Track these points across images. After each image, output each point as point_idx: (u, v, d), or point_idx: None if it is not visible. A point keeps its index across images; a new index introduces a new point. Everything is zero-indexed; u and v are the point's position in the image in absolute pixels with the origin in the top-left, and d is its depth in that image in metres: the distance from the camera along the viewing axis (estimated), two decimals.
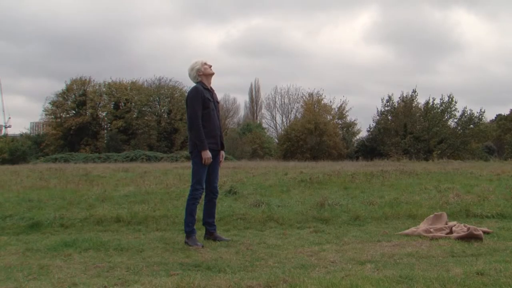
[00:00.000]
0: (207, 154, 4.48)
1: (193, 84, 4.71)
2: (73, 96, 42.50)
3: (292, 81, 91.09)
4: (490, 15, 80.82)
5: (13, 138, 43.31)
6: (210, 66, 4.72)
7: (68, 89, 42.37)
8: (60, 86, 59.24)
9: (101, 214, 5.85)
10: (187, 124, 4.66)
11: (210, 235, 4.71)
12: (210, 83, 4.73)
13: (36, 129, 52.09)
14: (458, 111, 35.26)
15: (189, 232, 4.48)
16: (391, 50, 79.01)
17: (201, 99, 4.51)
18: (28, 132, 48.38)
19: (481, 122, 35.15)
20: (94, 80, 43.43)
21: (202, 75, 4.67)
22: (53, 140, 40.82)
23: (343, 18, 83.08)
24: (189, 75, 4.71)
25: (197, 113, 4.48)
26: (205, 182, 4.64)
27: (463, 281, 2.89)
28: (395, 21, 77.98)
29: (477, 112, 35.05)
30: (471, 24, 78.56)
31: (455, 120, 35.81)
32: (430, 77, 67.23)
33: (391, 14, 78.55)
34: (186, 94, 4.67)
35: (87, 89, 42.63)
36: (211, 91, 4.70)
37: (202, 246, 4.32)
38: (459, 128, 35.50)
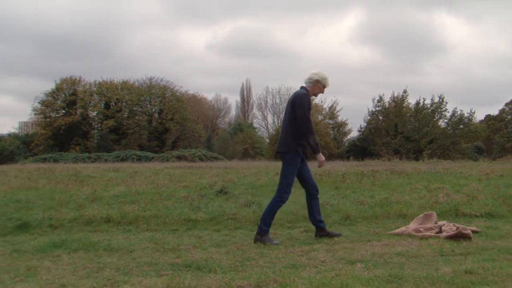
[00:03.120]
0: (322, 157, 4.63)
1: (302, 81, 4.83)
2: (63, 95, 42.06)
3: (282, 82, 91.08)
4: (473, 18, 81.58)
5: (1, 138, 42.70)
6: (322, 93, 4.92)
7: (58, 88, 41.93)
8: (50, 86, 58.84)
9: (90, 215, 5.80)
10: (297, 124, 4.63)
11: (322, 231, 4.74)
12: (311, 96, 4.86)
13: (25, 128, 51.53)
14: (449, 112, 35.68)
15: (266, 231, 4.54)
16: (377, 51, 79.25)
17: (308, 106, 4.68)
18: (17, 131, 47.88)
19: (471, 122, 35.52)
20: (84, 80, 43.11)
21: (313, 88, 4.80)
22: (42, 140, 40.36)
23: (329, 20, 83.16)
24: (310, 76, 4.79)
25: (309, 117, 4.63)
26: (303, 182, 4.73)
27: (451, 279, 2.92)
28: (380, 23, 78.17)
29: (467, 113, 35.47)
30: (454, 26, 79.17)
31: (445, 121, 36.18)
32: (417, 78, 67.70)
33: (375, 16, 78.71)
34: (296, 93, 4.77)
35: (77, 88, 42.22)
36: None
37: (277, 244, 4.40)
38: (449, 128, 35.82)
